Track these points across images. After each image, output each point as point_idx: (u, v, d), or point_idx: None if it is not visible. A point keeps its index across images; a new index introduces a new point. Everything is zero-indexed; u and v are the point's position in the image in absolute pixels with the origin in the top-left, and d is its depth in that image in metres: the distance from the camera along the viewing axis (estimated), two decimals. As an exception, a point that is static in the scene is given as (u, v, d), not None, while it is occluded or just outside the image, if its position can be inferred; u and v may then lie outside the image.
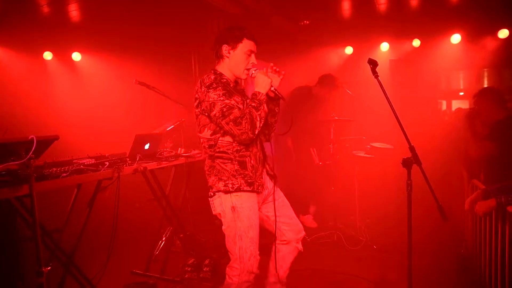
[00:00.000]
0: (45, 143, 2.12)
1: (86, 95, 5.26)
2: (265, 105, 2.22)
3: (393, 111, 2.21)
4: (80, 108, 5.05)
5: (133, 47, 4.96)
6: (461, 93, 8.54)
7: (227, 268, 2.31)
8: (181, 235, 3.90)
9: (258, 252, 2.28)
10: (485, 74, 7.37)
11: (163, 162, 3.28)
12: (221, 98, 2.15)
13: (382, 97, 2.29)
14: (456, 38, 5.61)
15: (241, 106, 2.18)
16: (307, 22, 5.77)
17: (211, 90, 2.17)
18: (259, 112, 2.16)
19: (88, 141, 4.20)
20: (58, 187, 2.30)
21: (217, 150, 2.26)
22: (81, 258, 2.92)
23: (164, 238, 4.03)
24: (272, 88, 2.27)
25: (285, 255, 2.51)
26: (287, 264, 2.54)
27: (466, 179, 3.77)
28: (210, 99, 2.17)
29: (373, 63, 2.28)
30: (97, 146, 3.35)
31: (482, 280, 2.94)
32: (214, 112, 2.16)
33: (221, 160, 2.25)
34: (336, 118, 4.33)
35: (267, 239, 2.54)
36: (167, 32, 4.94)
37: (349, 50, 6.17)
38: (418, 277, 3.09)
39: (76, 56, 5.54)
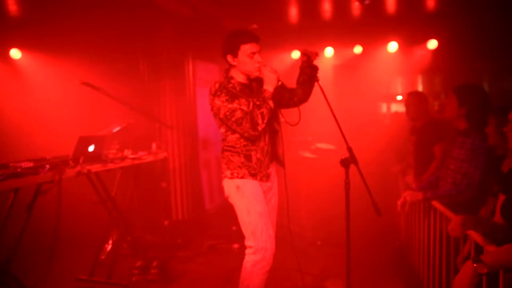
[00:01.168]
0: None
1: (26, 95, 4.98)
2: (270, 102, 2.40)
3: (332, 113, 2.36)
4: (20, 109, 4.77)
5: (79, 47, 4.76)
6: (399, 97, 9.12)
7: (245, 254, 2.48)
8: (129, 238, 3.85)
9: (272, 230, 2.50)
10: (419, 79, 7.97)
11: (109, 164, 3.22)
12: (224, 104, 2.40)
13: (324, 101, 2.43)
14: (393, 47, 6.01)
15: (244, 108, 2.40)
16: (255, 26, 5.89)
17: (215, 98, 2.43)
18: (261, 110, 2.36)
19: (29, 144, 4.00)
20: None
21: (227, 144, 2.55)
22: (20, 266, 2.79)
23: (110, 242, 3.95)
24: (280, 83, 2.45)
25: None
26: None
27: (401, 177, 4.08)
28: (216, 105, 2.44)
29: (314, 69, 2.42)
30: (39, 149, 3.22)
31: (414, 268, 3.21)
32: (220, 116, 2.45)
33: (229, 153, 2.53)
34: (283, 120, 4.47)
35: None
36: (115, 33, 4.82)
37: (295, 54, 6.38)
38: (357, 268, 3.32)
39: (16, 54, 5.22)
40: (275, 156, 2.65)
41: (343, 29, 5.89)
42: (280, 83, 2.47)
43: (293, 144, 4.77)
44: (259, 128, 2.39)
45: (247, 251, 2.47)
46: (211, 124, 5.82)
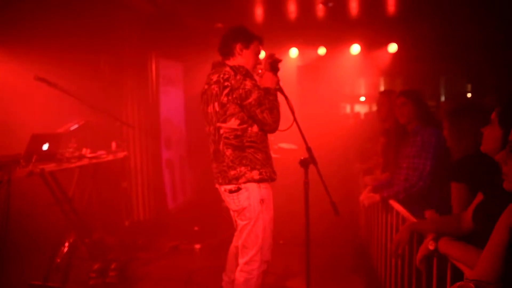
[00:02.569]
0: None
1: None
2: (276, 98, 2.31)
3: (292, 114, 2.38)
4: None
5: (35, 41, 4.53)
6: (362, 98, 9.39)
7: (243, 266, 2.30)
8: (86, 240, 3.71)
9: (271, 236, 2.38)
10: (381, 81, 8.23)
11: (65, 164, 3.10)
12: (256, 88, 2.21)
13: (290, 99, 2.44)
14: (355, 49, 6.17)
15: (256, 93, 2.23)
16: (221, 25, 5.86)
17: (248, 79, 2.21)
18: (277, 104, 2.27)
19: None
20: None
21: (248, 139, 2.25)
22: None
23: (67, 244, 3.79)
24: (278, 86, 2.36)
25: (234, 255, 2.54)
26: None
27: (361, 175, 4.18)
28: (247, 87, 2.19)
29: (275, 68, 2.44)
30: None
31: (373, 266, 3.31)
32: (249, 100, 2.18)
33: (252, 150, 2.26)
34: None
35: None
36: (74, 29, 4.63)
37: (260, 54, 6.40)
38: (318, 267, 3.38)
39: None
40: None
41: (308, 30, 5.98)
42: (278, 86, 2.39)
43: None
44: (278, 117, 2.27)
45: (246, 265, 2.31)
46: (174, 123, 5.76)
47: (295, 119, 2.38)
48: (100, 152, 3.54)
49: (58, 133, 3.45)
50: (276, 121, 2.23)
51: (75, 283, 3.29)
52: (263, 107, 2.19)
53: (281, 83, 2.45)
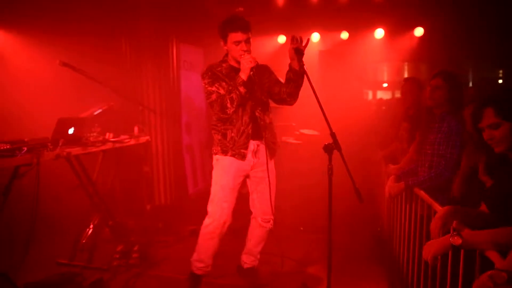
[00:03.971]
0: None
1: (3, 76, 4.80)
2: (240, 88, 2.56)
3: (316, 98, 2.34)
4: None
5: (59, 27, 4.59)
6: (385, 84, 9.18)
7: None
8: (110, 222, 3.80)
9: (227, 203, 2.74)
10: (405, 67, 8.01)
11: (89, 147, 3.15)
12: (206, 86, 2.67)
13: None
14: (379, 33, 6.00)
15: (221, 91, 2.63)
16: (242, 9, 5.79)
17: (202, 80, 2.71)
18: (230, 95, 2.56)
19: (5, 126, 3.88)
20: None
21: (212, 123, 2.82)
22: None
23: (91, 226, 3.89)
24: (251, 72, 2.59)
25: (252, 230, 2.98)
26: (255, 237, 2.99)
27: (384, 164, 4.11)
28: (203, 86, 2.70)
29: (299, 53, 2.39)
30: (16, 131, 3.13)
31: (395, 255, 3.27)
32: (205, 97, 2.73)
33: (213, 131, 2.81)
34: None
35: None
36: (97, 14, 4.66)
37: (281, 39, 6.31)
38: (338, 254, 3.38)
39: (-11, 31, 5.01)
40: (258, 138, 2.78)
41: (330, 14, 5.84)
42: (252, 72, 2.60)
43: (276, 129, 4.75)
44: (228, 112, 2.60)
45: (207, 217, 2.82)
46: (194, 108, 5.77)
47: (319, 103, 2.33)
48: (123, 137, 3.58)
49: (83, 117, 3.50)
50: (216, 113, 2.67)
51: (99, 263, 3.37)
52: (207, 102, 2.74)
53: (305, 67, 2.43)
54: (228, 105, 2.58)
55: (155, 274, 3.29)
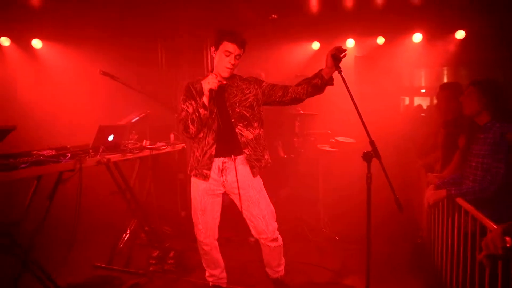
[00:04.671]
0: (1, 133, 2.05)
1: (46, 85, 5.06)
2: (200, 109, 2.56)
3: (355, 106, 2.28)
4: (41, 97, 4.85)
5: (97, 37, 4.81)
6: (423, 90, 8.88)
7: None
8: (146, 228, 3.87)
9: (202, 225, 2.80)
10: (444, 72, 7.71)
11: (128, 154, 3.23)
12: (181, 102, 2.71)
13: (347, 92, 2.36)
14: (417, 37, 5.83)
15: (189, 110, 2.62)
16: (275, 16, 5.80)
17: (181, 95, 2.72)
18: (191, 116, 2.58)
19: (49, 133, 4.07)
20: (16, 179, 2.23)
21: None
22: (40, 252, 2.84)
23: (128, 231, 3.98)
24: (213, 94, 2.54)
25: (261, 246, 2.86)
26: (266, 256, 2.88)
27: (423, 172, 3.96)
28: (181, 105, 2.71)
29: (337, 59, 2.35)
30: (58, 138, 3.26)
31: (437, 268, 3.12)
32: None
33: (193, 151, 2.79)
34: (302, 112, 4.42)
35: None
36: (132, 22, 4.82)
37: (316, 45, 6.26)
38: (377, 265, 3.25)
39: (37, 43, 5.30)
40: (225, 155, 2.67)
41: (366, 19, 5.73)
42: (213, 94, 2.55)
43: (312, 137, 4.69)
44: (190, 132, 2.62)
45: None
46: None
47: (358, 111, 2.27)
48: (159, 144, 3.65)
49: (122, 125, 3.61)
50: (182, 132, 2.71)
51: (135, 268, 3.43)
52: (179, 119, 2.74)
53: (342, 73, 2.37)
54: (189, 125, 2.59)
55: (190, 280, 3.31)
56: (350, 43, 6.11)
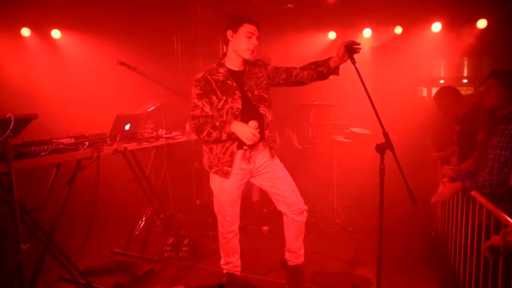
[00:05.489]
0: (23, 121, 2.12)
1: (65, 74, 5.16)
2: (223, 135, 2.51)
3: (368, 97, 2.26)
4: (60, 87, 4.96)
5: (114, 27, 4.86)
6: (442, 81, 8.71)
7: None
8: (161, 216, 3.95)
9: (230, 216, 2.77)
10: (465, 62, 7.53)
11: (144, 143, 3.29)
12: (194, 97, 2.59)
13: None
14: (437, 27, 5.69)
15: (206, 109, 2.57)
16: (291, 5, 5.75)
17: (193, 87, 2.61)
18: (211, 131, 2.51)
19: (67, 121, 4.16)
20: (37, 166, 2.31)
21: None
22: (60, 236, 2.94)
23: (144, 218, 4.08)
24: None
25: (286, 226, 2.85)
26: (291, 235, 2.86)
27: (440, 164, 3.91)
28: (191, 93, 2.62)
29: (351, 50, 2.33)
30: (77, 126, 3.33)
31: (450, 260, 3.11)
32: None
33: (208, 147, 2.71)
34: (316, 102, 4.40)
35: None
36: (149, 13, 4.86)
37: (332, 35, 6.19)
38: (390, 257, 3.27)
39: (56, 34, 5.40)
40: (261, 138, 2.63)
41: (383, 9, 5.63)
42: (247, 150, 2.63)
43: (326, 127, 4.68)
44: (201, 137, 2.57)
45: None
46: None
47: (371, 102, 2.26)
48: (175, 133, 3.70)
49: (138, 114, 3.66)
50: (192, 128, 2.61)
51: (151, 254, 3.52)
52: (190, 113, 2.61)
53: (356, 65, 2.34)
54: (204, 134, 2.53)
55: (204, 267, 3.38)
56: (367, 33, 6.02)
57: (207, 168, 2.75)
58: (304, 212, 2.80)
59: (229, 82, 2.61)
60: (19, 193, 2.06)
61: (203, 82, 2.57)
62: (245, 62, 2.69)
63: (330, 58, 2.51)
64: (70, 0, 4.85)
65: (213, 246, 3.84)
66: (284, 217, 2.83)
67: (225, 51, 2.71)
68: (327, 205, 4.62)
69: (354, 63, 2.33)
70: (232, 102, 2.58)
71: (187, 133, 3.86)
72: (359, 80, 2.32)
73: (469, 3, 5.24)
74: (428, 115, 5.67)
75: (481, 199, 2.35)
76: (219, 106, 2.58)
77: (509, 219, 1.93)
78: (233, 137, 2.53)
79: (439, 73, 8.68)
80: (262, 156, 2.71)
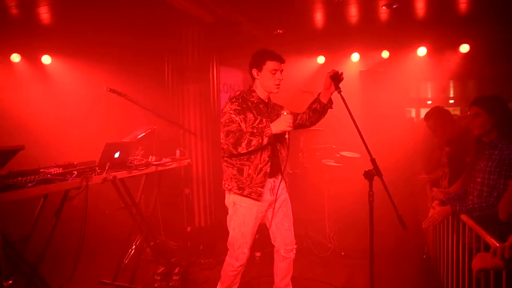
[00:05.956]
0: (9, 153, 2.10)
1: (55, 100, 5.15)
2: (265, 139, 2.48)
3: (355, 125, 2.30)
4: (50, 113, 4.94)
5: (105, 54, 4.90)
6: (429, 102, 8.88)
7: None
8: (152, 243, 3.88)
9: (247, 248, 2.69)
10: (451, 84, 7.71)
11: (133, 171, 3.26)
12: (231, 112, 2.56)
13: (351, 107, 2.38)
14: (422, 51, 5.86)
15: (242, 125, 2.55)
16: (281, 31, 5.88)
17: (229, 103, 2.60)
18: (251, 138, 2.46)
19: (56, 149, 4.13)
20: (24, 198, 2.27)
21: (223, 154, 2.67)
22: (47, 268, 2.88)
23: (134, 247, 4.01)
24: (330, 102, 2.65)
25: (276, 263, 2.87)
26: (280, 272, 2.86)
27: (429, 187, 3.94)
28: (225, 109, 2.59)
29: (336, 79, 2.38)
30: (66, 154, 3.31)
31: (441, 284, 3.09)
32: (222, 120, 2.59)
33: (226, 164, 2.68)
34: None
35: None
36: (140, 40, 4.91)
37: (321, 59, 6.32)
38: (381, 281, 3.24)
39: (46, 59, 5.41)
40: (278, 172, 2.71)
41: (370, 34, 5.79)
42: (286, 136, 2.60)
43: (317, 151, 4.70)
44: (240, 151, 2.49)
45: (227, 255, 2.79)
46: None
47: (357, 129, 2.29)
48: (165, 160, 3.68)
49: (128, 142, 3.65)
50: (226, 144, 2.51)
51: (140, 284, 3.44)
52: (224, 129, 2.54)
53: (342, 93, 2.40)
54: (243, 145, 2.47)
55: (194, 297, 3.31)
56: (355, 57, 6.16)
57: (234, 192, 2.63)
58: (294, 250, 2.84)
59: (261, 106, 2.68)
60: (4, 224, 2.02)
61: (240, 100, 2.61)
62: (270, 96, 2.77)
63: (319, 93, 2.61)
64: (61, 26, 4.89)
65: (204, 274, 3.78)
66: (275, 254, 2.85)
67: (251, 86, 2.76)
68: (319, 229, 4.60)
69: (340, 91, 2.39)
70: (266, 123, 2.59)
71: (177, 159, 3.85)
72: (348, 104, 2.36)
73: (452, 29, 5.42)
74: (418, 137, 5.76)
75: (470, 222, 2.36)
76: (255, 124, 2.58)
77: (497, 243, 1.94)
78: (271, 140, 2.54)
79: (426, 95, 8.87)
80: (281, 188, 2.74)
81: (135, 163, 3.39)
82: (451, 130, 3.54)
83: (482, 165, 2.49)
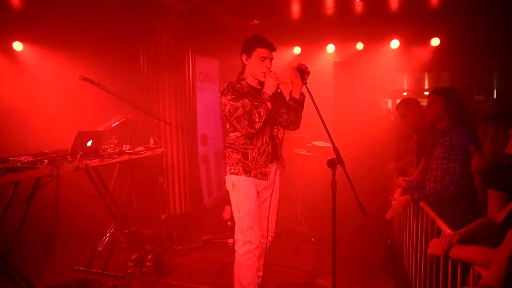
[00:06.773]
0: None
1: (27, 88, 5.05)
2: (268, 103, 2.59)
3: (319, 115, 2.41)
4: (21, 101, 4.85)
5: (79, 41, 4.82)
6: (405, 93, 9.11)
7: (235, 243, 2.74)
8: (126, 231, 3.93)
9: (257, 227, 2.69)
10: (426, 76, 7.94)
11: (106, 159, 3.29)
12: (230, 102, 2.62)
13: (324, 97, 2.49)
14: (395, 43, 5.99)
15: (246, 107, 2.60)
16: (257, 22, 5.91)
17: (223, 96, 2.66)
18: (258, 110, 2.57)
19: (28, 138, 4.08)
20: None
21: (228, 141, 2.76)
22: (19, 257, 2.89)
23: (108, 234, 4.04)
24: (279, 90, 2.69)
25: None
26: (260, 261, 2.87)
27: (396, 176, 4.10)
28: (223, 103, 2.66)
29: (301, 71, 2.47)
30: (38, 143, 3.29)
31: (404, 267, 3.26)
32: (225, 112, 2.66)
33: (230, 150, 2.74)
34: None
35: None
36: (115, 29, 4.86)
37: (297, 50, 6.39)
38: (346, 264, 3.41)
39: (18, 46, 5.29)
40: (275, 158, 2.79)
41: (345, 26, 5.88)
42: (279, 90, 2.67)
43: (289, 141, 4.80)
44: (256, 126, 2.58)
45: (236, 244, 2.71)
46: (210, 120, 5.90)
47: (321, 119, 2.40)
48: (139, 148, 3.72)
49: (101, 130, 3.66)
50: (244, 127, 2.59)
51: (114, 270, 3.49)
52: (232, 117, 2.61)
53: (308, 86, 2.50)
54: (257, 119, 2.57)
55: (168, 282, 3.39)
56: (330, 48, 6.26)
57: (241, 175, 2.68)
58: (270, 237, 2.90)
59: (252, 92, 2.71)
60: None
61: (232, 89, 2.65)
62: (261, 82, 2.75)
63: (290, 91, 2.68)
64: (33, 12, 4.78)
65: (177, 260, 3.86)
66: None
67: (242, 72, 2.79)
68: (291, 217, 4.73)
69: (305, 83, 2.47)
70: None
71: (151, 148, 3.89)
72: (320, 95, 2.47)
73: (422, 23, 5.57)
74: (391, 127, 5.93)
75: (426, 207, 2.52)
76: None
77: (446, 226, 2.09)
78: (270, 100, 2.62)
79: (402, 86, 9.08)
80: (273, 173, 2.80)
81: (108, 151, 3.42)
82: (420, 118, 3.69)
83: (436, 152, 2.66)
